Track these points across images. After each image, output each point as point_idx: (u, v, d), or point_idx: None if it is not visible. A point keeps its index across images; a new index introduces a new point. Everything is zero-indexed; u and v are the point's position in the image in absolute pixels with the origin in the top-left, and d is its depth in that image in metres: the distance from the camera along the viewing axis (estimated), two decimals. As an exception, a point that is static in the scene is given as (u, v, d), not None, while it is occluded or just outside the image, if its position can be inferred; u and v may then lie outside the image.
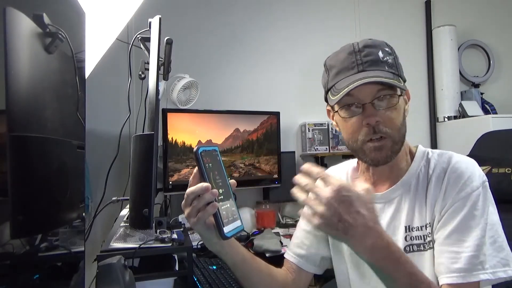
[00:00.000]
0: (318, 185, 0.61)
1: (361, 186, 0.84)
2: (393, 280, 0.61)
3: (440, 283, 0.69)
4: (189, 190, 0.64)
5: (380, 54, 0.75)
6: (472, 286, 0.66)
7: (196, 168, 0.65)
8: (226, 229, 0.64)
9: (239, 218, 0.68)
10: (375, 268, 0.62)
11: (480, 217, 0.69)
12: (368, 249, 0.60)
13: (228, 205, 0.67)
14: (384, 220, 0.79)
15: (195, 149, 0.64)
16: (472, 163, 0.75)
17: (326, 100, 0.81)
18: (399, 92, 0.74)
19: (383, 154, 0.74)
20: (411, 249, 0.75)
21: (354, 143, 0.77)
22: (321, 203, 0.58)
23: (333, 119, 0.84)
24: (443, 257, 0.69)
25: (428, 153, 0.80)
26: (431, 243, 0.73)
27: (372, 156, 0.75)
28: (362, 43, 0.76)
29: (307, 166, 0.63)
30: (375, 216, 0.61)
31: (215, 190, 0.63)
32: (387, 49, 0.77)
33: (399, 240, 0.76)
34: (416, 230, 0.75)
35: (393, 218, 0.78)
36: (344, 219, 0.58)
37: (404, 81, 0.78)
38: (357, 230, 0.58)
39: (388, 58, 0.75)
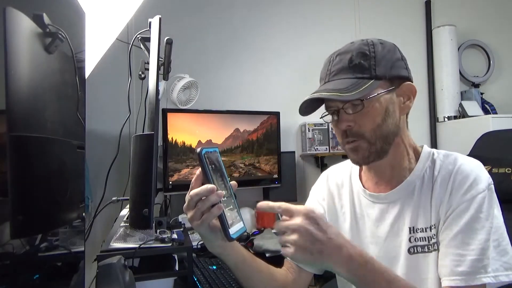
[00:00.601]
0: (284, 218, 0.63)
1: (358, 184, 0.86)
2: None
3: (443, 285, 0.69)
4: (193, 192, 0.63)
5: (351, 59, 0.74)
6: None
7: (199, 169, 0.65)
8: (232, 231, 0.63)
9: (241, 219, 0.68)
10: (356, 280, 0.63)
11: (485, 220, 0.68)
12: (345, 261, 0.62)
13: (231, 206, 0.67)
14: (387, 221, 0.79)
15: (198, 150, 0.63)
16: (478, 166, 0.75)
17: None
18: (366, 97, 0.71)
19: (359, 155, 0.76)
20: (415, 251, 0.74)
21: (340, 145, 0.81)
22: (293, 232, 0.61)
23: None
24: (447, 259, 0.69)
25: (433, 153, 0.80)
26: (435, 244, 0.73)
27: (351, 157, 0.79)
28: (338, 52, 0.77)
29: (265, 205, 0.64)
30: (339, 231, 0.65)
31: (220, 192, 0.63)
32: (365, 51, 0.74)
33: (403, 241, 0.76)
34: (420, 232, 0.75)
35: (397, 219, 0.78)
36: (316, 240, 0.60)
37: (395, 77, 0.75)
38: (331, 247, 0.61)
39: (361, 61, 0.73)
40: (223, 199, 0.64)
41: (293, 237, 0.60)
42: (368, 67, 0.73)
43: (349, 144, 0.77)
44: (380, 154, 0.76)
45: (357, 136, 0.75)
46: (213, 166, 0.65)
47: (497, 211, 0.71)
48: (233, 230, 0.64)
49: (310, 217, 0.62)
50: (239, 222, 0.67)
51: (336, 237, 0.62)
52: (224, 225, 0.63)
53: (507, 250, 0.68)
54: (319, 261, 0.61)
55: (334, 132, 0.83)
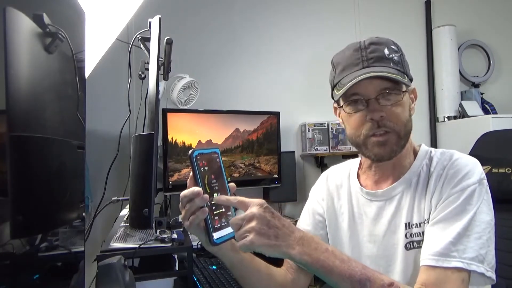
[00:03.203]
0: (240, 210, 0.67)
1: (356, 184, 0.86)
2: (330, 270, 0.64)
3: (420, 265, 0.69)
4: (182, 193, 0.64)
5: (386, 51, 0.75)
6: (447, 272, 0.65)
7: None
8: (216, 235, 0.64)
9: None
10: (310, 262, 0.64)
11: (470, 211, 0.69)
12: (297, 243, 0.64)
13: (223, 209, 0.66)
14: (385, 219, 0.79)
15: (190, 152, 0.63)
16: (473, 162, 0.75)
17: (332, 96, 0.82)
18: (404, 88, 0.75)
19: (387, 149, 0.75)
20: (412, 246, 0.75)
21: (357, 138, 0.78)
22: (250, 220, 0.63)
23: (339, 116, 0.85)
24: (425, 241, 0.71)
25: (431, 151, 0.81)
26: None
27: (376, 151, 0.76)
28: (368, 41, 0.77)
29: (224, 198, 0.66)
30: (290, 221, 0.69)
31: (206, 196, 0.62)
32: (393, 46, 0.77)
33: (400, 238, 0.76)
34: (415, 227, 0.75)
35: (394, 215, 0.78)
36: (272, 224, 0.63)
37: (411, 79, 0.78)
38: (285, 232, 0.64)
39: (394, 55, 0.76)
40: (214, 202, 0.64)
41: (251, 224, 0.62)
42: (400, 62, 0.76)
43: (378, 137, 0.75)
44: (401, 150, 0.77)
45: (389, 128, 0.74)
46: (205, 168, 0.64)
47: (487, 208, 0.71)
48: (220, 234, 0.64)
49: (265, 206, 0.64)
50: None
51: (288, 224, 0.66)
52: (208, 230, 0.63)
53: (486, 245, 0.68)
54: (275, 246, 0.63)
55: (352, 124, 0.78)
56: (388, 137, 0.74)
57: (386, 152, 0.75)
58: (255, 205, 0.65)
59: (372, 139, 0.75)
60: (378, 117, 0.73)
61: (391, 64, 0.75)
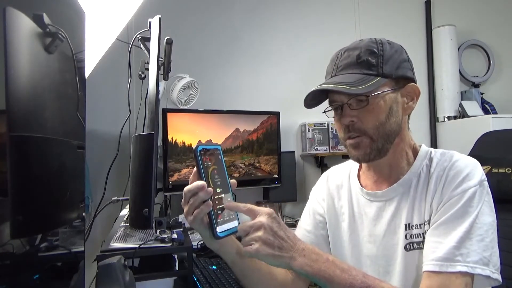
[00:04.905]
0: (248, 218, 0.68)
1: (357, 184, 0.86)
2: (331, 280, 0.66)
3: (422, 271, 0.69)
4: (186, 188, 0.65)
5: (359, 55, 0.75)
6: (451, 277, 0.65)
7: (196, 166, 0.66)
8: (220, 229, 0.65)
9: (237, 218, 0.68)
10: (312, 273, 0.66)
11: (471, 214, 0.68)
12: (301, 254, 0.67)
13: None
14: (385, 219, 0.79)
15: (194, 147, 0.65)
16: (473, 163, 0.75)
17: None
18: (373, 93, 0.72)
19: (361, 151, 0.77)
20: (412, 247, 0.75)
21: (341, 141, 0.82)
22: (258, 229, 0.65)
23: None
24: (427, 246, 0.71)
25: (431, 152, 0.80)
26: None
27: (352, 153, 0.79)
28: (348, 47, 0.78)
29: (233, 204, 0.68)
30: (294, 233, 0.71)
31: (210, 189, 0.63)
32: (374, 48, 0.75)
33: (400, 239, 0.76)
34: (415, 228, 0.75)
35: (394, 216, 0.78)
36: (278, 236, 0.65)
37: (396, 78, 0.75)
38: (289, 244, 0.66)
39: (369, 57, 0.74)
40: (217, 197, 0.65)
41: (258, 233, 0.64)
42: (376, 64, 0.74)
43: (351, 140, 0.77)
44: (381, 152, 0.77)
45: (360, 132, 0.75)
46: (208, 163, 0.65)
47: (488, 209, 0.70)
48: (223, 228, 0.65)
49: (273, 217, 0.66)
50: (233, 221, 0.68)
51: (292, 236, 0.68)
52: (212, 223, 0.64)
53: (489, 247, 0.67)
54: (278, 257, 0.65)
55: (336, 128, 0.83)
56: (360, 139, 0.76)
57: (361, 154, 0.77)
58: (264, 214, 0.66)
59: (348, 142, 0.78)
60: (347, 122, 0.76)
61: (359, 70, 0.74)
